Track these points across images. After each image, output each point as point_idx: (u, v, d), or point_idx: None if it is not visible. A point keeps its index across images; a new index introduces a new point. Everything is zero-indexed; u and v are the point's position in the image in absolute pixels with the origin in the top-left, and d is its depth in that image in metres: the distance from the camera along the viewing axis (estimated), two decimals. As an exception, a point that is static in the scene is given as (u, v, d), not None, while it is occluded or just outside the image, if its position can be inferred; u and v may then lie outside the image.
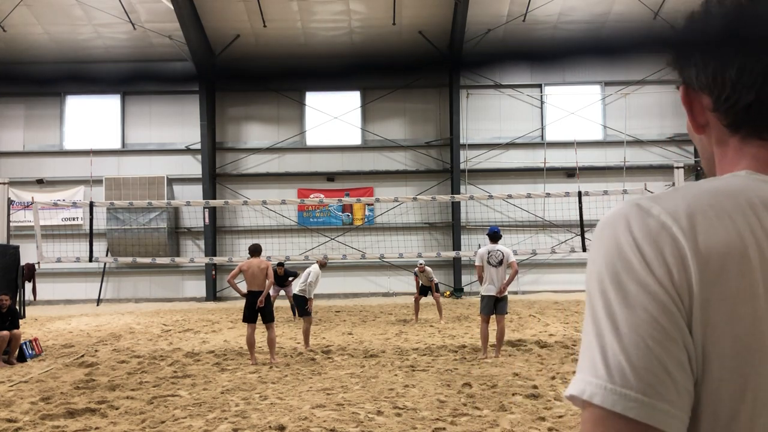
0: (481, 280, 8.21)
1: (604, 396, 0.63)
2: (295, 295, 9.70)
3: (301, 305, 9.40)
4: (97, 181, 17.69)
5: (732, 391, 0.63)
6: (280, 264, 12.81)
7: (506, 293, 8.22)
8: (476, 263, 8.25)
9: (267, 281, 8.18)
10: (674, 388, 0.62)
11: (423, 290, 12.62)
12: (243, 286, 8.26)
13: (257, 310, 8.13)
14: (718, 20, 0.73)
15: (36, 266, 9.86)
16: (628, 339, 0.63)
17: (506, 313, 8.34)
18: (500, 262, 8.11)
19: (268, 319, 8.26)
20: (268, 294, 8.30)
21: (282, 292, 13.02)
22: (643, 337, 0.63)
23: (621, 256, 0.67)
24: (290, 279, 13.13)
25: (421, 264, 12.42)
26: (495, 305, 8.14)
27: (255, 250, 8.37)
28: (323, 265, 9.84)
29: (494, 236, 8.31)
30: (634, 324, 0.64)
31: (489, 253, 8.14)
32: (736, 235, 0.65)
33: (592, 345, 0.66)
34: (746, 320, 0.63)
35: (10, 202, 10.07)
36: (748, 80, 0.71)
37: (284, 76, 19.42)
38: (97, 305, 18.02)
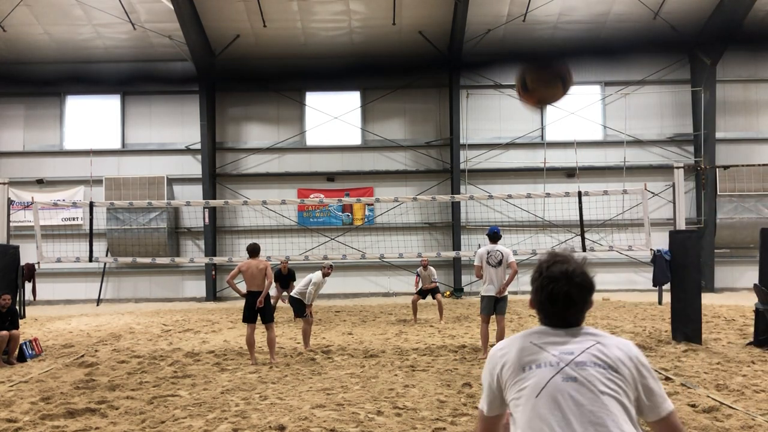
0: (480, 278, 8.22)
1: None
2: (291, 297, 9.63)
3: (298, 308, 9.38)
4: (97, 181, 17.69)
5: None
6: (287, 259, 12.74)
7: (506, 293, 8.22)
8: (475, 263, 8.25)
9: (266, 281, 8.18)
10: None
11: (422, 293, 12.54)
12: (242, 287, 8.26)
13: (257, 310, 8.13)
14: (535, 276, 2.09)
15: (36, 266, 9.86)
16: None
17: (505, 314, 8.36)
18: (499, 263, 8.11)
19: (268, 319, 8.26)
20: (268, 294, 8.29)
21: (285, 294, 12.85)
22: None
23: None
24: (292, 282, 12.94)
25: (424, 258, 12.27)
26: (495, 305, 8.15)
27: (253, 251, 8.35)
28: (326, 274, 9.71)
29: (494, 236, 8.31)
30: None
31: (488, 254, 8.14)
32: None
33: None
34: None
35: (10, 202, 10.06)
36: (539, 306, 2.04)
37: (284, 76, 19.42)
38: (97, 305, 18.02)
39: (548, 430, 1.81)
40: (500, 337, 8.19)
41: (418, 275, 12.60)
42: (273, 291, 11.96)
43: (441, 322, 11.89)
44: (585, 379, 1.87)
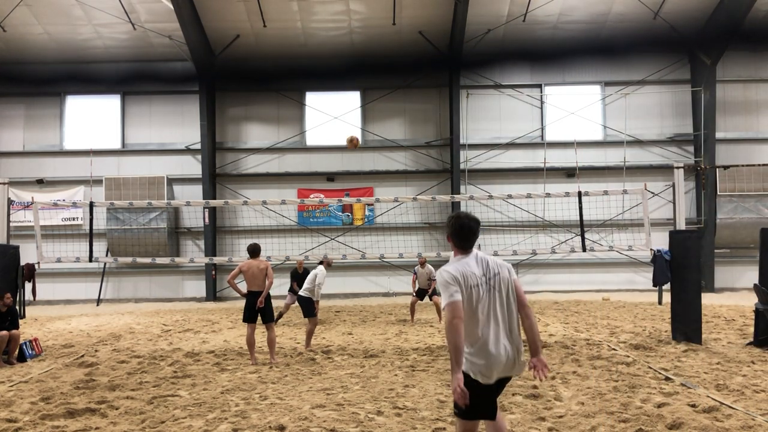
0: None
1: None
2: (299, 296, 9.58)
3: (307, 306, 9.39)
4: (97, 181, 17.69)
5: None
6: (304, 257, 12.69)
7: None
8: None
9: (267, 282, 8.18)
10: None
11: (420, 293, 12.52)
12: (243, 287, 8.26)
13: (257, 310, 8.13)
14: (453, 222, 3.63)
15: (36, 266, 9.86)
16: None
17: None
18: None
19: (268, 319, 8.26)
20: (269, 294, 8.28)
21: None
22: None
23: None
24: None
25: (421, 256, 12.25)
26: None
27: (254, 251, 8.34)
28: (329, 265, 9.94)
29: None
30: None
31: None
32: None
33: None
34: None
35: (10, 202, 10.06)
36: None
37: (284, 76, 19.54)
38: (97, 305, 18.03)
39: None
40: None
41: (415, 273, 12.61)
42: (273, 291, 11.78)
43: (441, 323, 11.89)
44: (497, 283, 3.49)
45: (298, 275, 12.73)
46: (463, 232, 3.54)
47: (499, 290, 3.44)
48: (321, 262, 9.90)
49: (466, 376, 3.28)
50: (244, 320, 8.25)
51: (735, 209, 17.98)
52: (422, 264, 12.41)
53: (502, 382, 3.46)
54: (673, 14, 17.63)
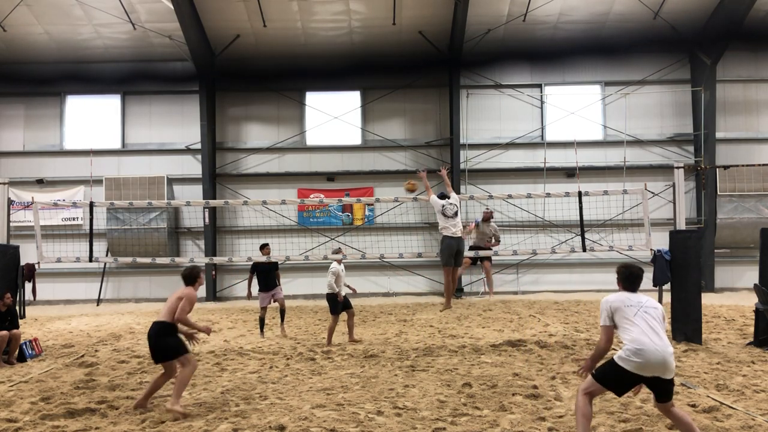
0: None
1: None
2: (327, 294, 9.93)
3: (332, 304, 9.82)
4: (97, 181, 17.69)
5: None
6: (264, 246, 11.10)
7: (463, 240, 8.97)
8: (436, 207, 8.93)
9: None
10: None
11: (474, 251, 10.81)
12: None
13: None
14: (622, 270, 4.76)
15: (36, 266, 9.85)
16: None
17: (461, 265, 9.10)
18: (455, 214, 8.82)
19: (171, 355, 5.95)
20: (172, 326, 6.00)
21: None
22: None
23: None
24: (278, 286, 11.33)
25: (488, 210, 11.39)
26: (456, 257, 8.74)
27: (188, 276, 6.18)
28: (339, 260, 10.02)
29: (442, 196, 9.07)
30: None
31: (443, 207, 8.82)
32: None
33: None
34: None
35: (10, 202, 10.06)
36: None
37: (284, 76, 19.53)
38: (97, 305, 18.02)
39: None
40: (453, 284, 9.10)
41: (477, 223, 11.46)
42: (261, 302, 11.02)
43: (490, 296, 11.25)
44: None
45: (264, 266, 11.07)
46: (632, 277, 4.61)
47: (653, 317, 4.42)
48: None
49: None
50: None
51: (735, 209, 17.98)
52: (487, 219, 11.33)
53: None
54: (673, 14, 17.63)
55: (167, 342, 5.81)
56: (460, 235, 8.73)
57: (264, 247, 11.09)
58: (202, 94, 18.54)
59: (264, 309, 11.14)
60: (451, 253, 8.61)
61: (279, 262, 11.35)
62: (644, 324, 4.29)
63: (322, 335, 10.68)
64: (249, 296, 11.33)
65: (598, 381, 4.35)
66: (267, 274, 11.10)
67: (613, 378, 4.32)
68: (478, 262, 10.93)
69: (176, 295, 5.98)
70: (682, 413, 4.41)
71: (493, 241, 10.65)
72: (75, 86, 19.41)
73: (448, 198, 8.96)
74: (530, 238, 18.51)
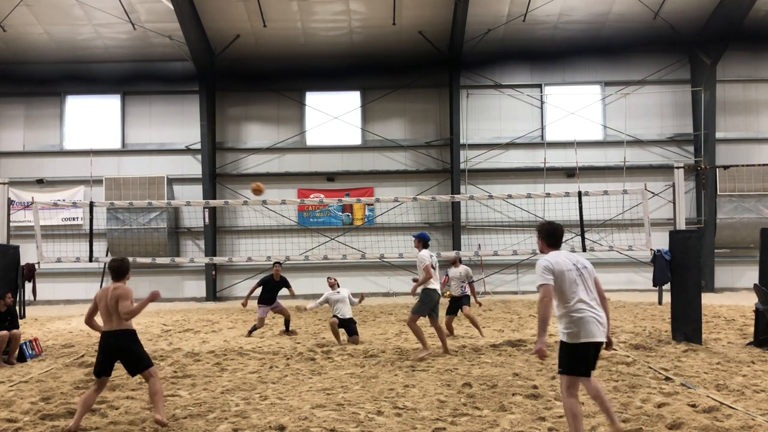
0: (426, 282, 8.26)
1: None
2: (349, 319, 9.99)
3: (349, 327, 9.90)
4: (97, 181, 17.69)
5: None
6: (278, 263, 11.16)
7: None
8: (426, 263, 8.28)
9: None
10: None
11: (453, 304, 10.07)
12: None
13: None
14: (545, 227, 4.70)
15: (36, 266, 9.85)
16: None
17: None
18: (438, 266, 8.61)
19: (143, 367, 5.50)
20: (133, 336, 5.66)
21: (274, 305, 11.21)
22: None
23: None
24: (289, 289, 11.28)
25: (457, 254, 10.38)
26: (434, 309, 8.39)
27: (117, 269, 5.97)
28: (331, 285, 10.20)
29: (426, 242, 8.67)
30: None
31: (433, 258, 8.50)
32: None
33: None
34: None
35: (10, 202, 10.06)
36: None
37: (284, 76, 19.54)
38: (97, 305, 18.01)
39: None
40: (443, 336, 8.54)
41: (447, 275, 10.55)
42: (259, 312, 10.90)
43: (482, 336, 9.95)
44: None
45: (273, 284, 11.03)
46: (556, 233, 4.60)
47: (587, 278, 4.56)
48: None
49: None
50: (95, 373, 5.45)
51: (735, 209, 17.98)
52: (456, 263, 10.22)
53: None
54: (673, 14, 17.63)
55: (141, 349, 5.48)
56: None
57: (275, 265, 11.22)
58: (202, 94, 18.54)
59: (261, 320, 10.88)
60: (432, 306, 8.36)
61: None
62: (582, 289, 4.48)
63: (322, 335, 10.68)
64: (244, 304, 11.16)
65: (566, 373, 4.44)
66: (273, 290, 11.06)
67: (574, 360, 4.47)
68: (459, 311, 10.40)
69: (111, 299, 5.52)
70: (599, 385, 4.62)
71: (467, 282, 10.22)
72: (75, 86, 19.42)
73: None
74: (530, 238, 18.49)
